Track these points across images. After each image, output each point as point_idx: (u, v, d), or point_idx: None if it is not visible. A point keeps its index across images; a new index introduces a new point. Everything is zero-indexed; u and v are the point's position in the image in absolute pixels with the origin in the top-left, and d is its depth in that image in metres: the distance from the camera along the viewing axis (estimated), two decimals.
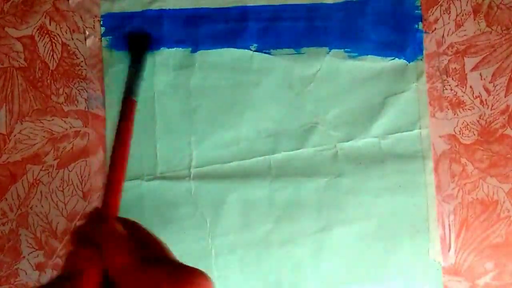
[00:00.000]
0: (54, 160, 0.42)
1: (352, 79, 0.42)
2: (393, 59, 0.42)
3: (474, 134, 0.42)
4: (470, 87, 0.42)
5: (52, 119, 0.42)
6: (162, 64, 0.42)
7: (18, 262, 0.42)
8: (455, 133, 0.42)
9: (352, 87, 0.42)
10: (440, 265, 0.42)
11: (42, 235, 0.42)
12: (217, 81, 0.42)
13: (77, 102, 0.42)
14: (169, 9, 0.43)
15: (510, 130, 0.42)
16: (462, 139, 0.42)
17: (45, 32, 0.43)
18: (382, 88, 0.42)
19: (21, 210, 0.42)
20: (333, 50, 0.42)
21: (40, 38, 0.43)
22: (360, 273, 0.41)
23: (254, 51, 0.42)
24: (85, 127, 0.42)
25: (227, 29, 0.42)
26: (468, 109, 0.42)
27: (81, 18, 0.43)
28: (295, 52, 0.42)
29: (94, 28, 0.43)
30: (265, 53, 0.42)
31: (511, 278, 0.42)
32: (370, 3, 0.43)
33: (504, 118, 0.42)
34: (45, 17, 0.43)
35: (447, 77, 0.43)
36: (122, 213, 0.41)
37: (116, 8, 0.42)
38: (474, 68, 0.43)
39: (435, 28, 0.43)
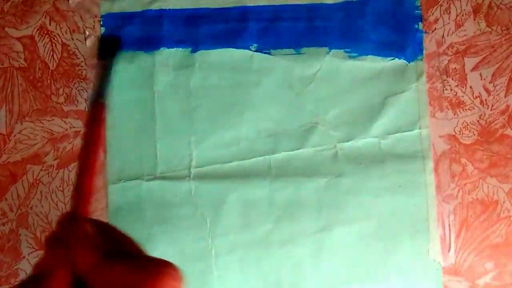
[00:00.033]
0: (54, 160, 0.42)
1: (352, 79, 0.42)
2: (393, 59, 0.42)
3: (474, 134, 0.42)
4: (470, 87, 0.42)
5: (52, 119, 0.42)
6: (162, 64, 0.42)
7: (18, 262, 0.42)
8: (455, 133, 0.42)
9: (352, 87, 0.42)
10: (440, 265, 0.41)
11: (42, 235, 0.42)
12: (217, 81, 0.42)
13: (77, 102, 0.42)
14: (169, 9, 0.43)
15: (510, 130, 0.42)
16: (462, 139, 0.42)
17: (45, 32, 0.43)
18: (382, 88, 0.42)
19: (21, 210, 0.42)
20: (333, 50, 0.42)
21: (40, 38, 0.43)
22: (360, 273, 0.41)
23: (254, 51, 0.42)
24: None
25: (227, 29, 0.42)
26: (468, 109, 0.42)
27: (81, 18, 0.43)
28: (295, 52, 0.42)
29: (94, 28, 0.43)
30: (265, 53, 0.42)
31: (511, 278, 0.42)
32: (370, 3, 0.43)
33: (504, 118, 0.42)
34: (45, 17, 0.43)
35: (447, 77, 0.42)
36: (122, 213, 0.41)
37: (116, 8, 0.42)
38: (474, 68, 0.43)
39: (435, 28, 0.43)
